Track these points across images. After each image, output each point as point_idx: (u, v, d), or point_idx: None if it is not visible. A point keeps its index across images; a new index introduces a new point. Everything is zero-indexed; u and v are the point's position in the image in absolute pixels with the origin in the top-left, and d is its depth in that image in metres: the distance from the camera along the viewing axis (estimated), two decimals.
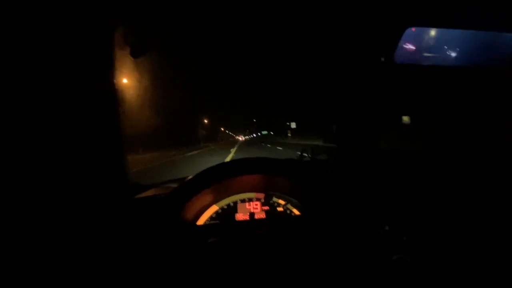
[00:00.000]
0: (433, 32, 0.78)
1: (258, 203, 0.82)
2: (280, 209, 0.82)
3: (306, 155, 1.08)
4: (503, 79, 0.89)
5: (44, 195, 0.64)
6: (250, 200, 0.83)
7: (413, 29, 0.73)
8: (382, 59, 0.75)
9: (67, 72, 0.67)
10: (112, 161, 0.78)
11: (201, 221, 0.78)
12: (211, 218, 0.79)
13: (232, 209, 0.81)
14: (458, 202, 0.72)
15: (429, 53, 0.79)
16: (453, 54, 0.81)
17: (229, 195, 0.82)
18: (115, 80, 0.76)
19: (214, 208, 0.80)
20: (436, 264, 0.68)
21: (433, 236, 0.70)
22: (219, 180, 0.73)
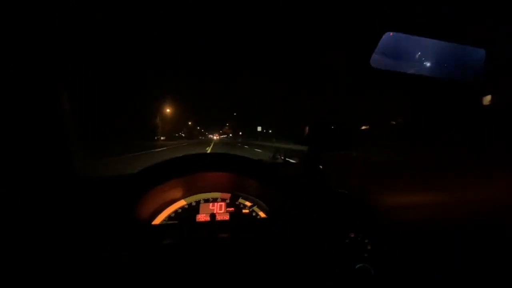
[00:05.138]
0: (409, 40, 0.78)
1: (223, 203, 0.77)
2: (245, 211, 0.77)
3: (279, 157, 1.05)
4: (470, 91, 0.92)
5: None
6: (214, 200, 0.77)
7: (391, 33, 0.72)
8: (363, 62, 0.74)
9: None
10: (57, 152, 0.68)
11: (157, 220, 0.71)
12: (169, 217, 0.72)
13: (193, 209, 0.75)
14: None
15: (405, 61, 0.80)
16: (428, 64, 0.81)
17: (192, 194, 0.76)
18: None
19: (173, 207, 0.73)
20: (401, 277, 0.67)
21: (399, 248, 0.69)
22: (175, 175, 0.65)
